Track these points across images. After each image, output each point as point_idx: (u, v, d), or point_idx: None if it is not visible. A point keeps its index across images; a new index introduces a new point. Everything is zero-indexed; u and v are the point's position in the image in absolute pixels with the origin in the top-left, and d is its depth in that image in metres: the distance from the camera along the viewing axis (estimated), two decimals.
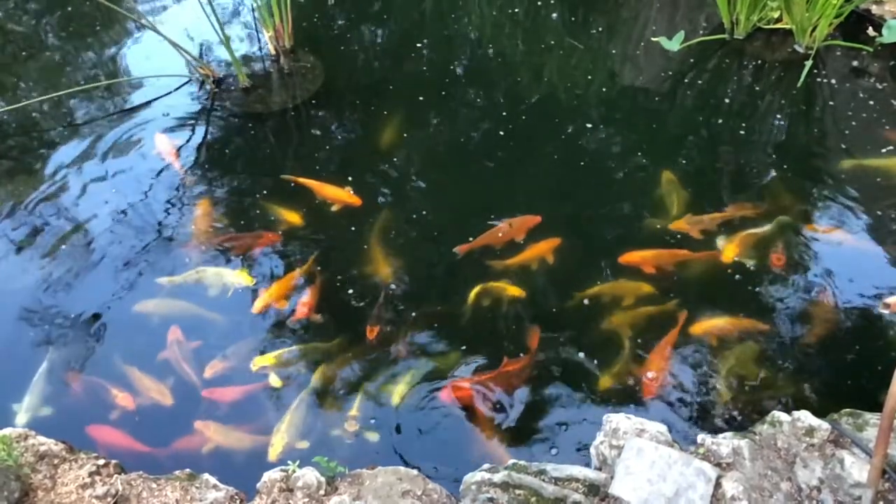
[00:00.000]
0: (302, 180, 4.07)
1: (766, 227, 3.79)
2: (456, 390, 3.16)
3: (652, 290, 3.53)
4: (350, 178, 4.10)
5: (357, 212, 3.94)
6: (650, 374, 3.19)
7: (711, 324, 3.37)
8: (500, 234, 3.79)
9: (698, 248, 3.73)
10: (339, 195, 4.00)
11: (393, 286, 3.58)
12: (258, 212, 3.96)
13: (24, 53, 5.18)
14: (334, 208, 3.96)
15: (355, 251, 3.75)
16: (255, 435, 3.06)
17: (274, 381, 3.22)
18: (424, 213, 3.95)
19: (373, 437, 3.01)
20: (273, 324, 3.47)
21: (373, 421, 3.07)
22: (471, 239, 3.77)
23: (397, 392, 3.14)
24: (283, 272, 3.66)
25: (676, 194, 4.00)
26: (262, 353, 3.33)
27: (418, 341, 3.37)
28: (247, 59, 5.04)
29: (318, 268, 3.67)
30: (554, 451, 2.96)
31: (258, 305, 3.48)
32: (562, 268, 3.67)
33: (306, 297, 3.51)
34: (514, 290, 3.51)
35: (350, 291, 3.58)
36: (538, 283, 3.61)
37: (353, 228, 3.86)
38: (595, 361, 3.27)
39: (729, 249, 3.66)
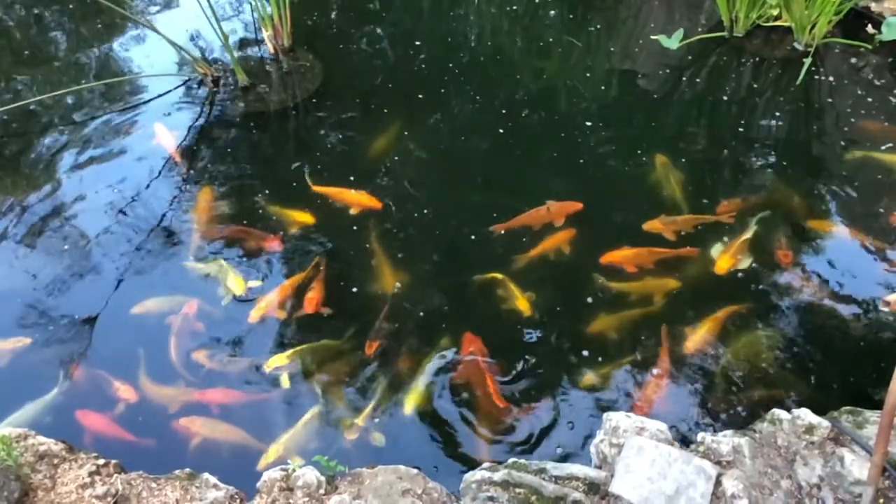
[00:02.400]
0: (321, 188, 4.04)
1: (756, 231, 3.76)
2: (473, 345, 3.26)
3: (679, 285, 3.54)
4: (351, 178, 4.09)
5: (359, 211, 3.94)
6: (655, 372, 3.20)
7: (700, 335, 3.36)
8: (538, 217, 3.81)
9: (692, 245, 3.74)
10: (359, 200, 3.96)
11: (397, 286, 3.56)
12: (260, 212, 3.95)
13: (26, 53, 5.18)
14: (336, 208, 3.94)
15: (358, 251, 3.74)
16: (246, 433, 3.05)
17: (285, 381, 3.20)
18: (426, 211, 3.94)
19: (378, 439, 3.00)
20: (280, 322, 3.45)
21: (376, 420, 3.07)
22: (470, 234, 3.78)
23: (409, 402, 3.12)
24: (283, 277, 3.63)
25: (673, 177, 4.04)
26: (257, 352, 3.32)
27: (423, 346, 3.35)
28: (246, 58, 5.03)
29: (323, 266, 3.64)
30: (559, 449, 2.96)
31: (255, 314, 3.43)
32: (563, 265, 3.67)
33: (313, 293, 3.50)
34: (523, 305, 3.46)
35: (354, 290, 3.57)
36: (545, 282, 3.61)
37: (354, 228, 3.86)
38: (600, 359, 3.27)
39: (723, 261, 3.61)
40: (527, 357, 3.28)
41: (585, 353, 3.29)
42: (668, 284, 3.55)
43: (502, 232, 3.81)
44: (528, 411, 3.09)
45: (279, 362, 3.25)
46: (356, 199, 3.97)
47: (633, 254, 3.65)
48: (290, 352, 3.29)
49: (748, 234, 3.73)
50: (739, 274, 3.60)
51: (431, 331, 3.40)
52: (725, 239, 3.74)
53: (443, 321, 3.44)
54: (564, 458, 2.88)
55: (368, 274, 3.64)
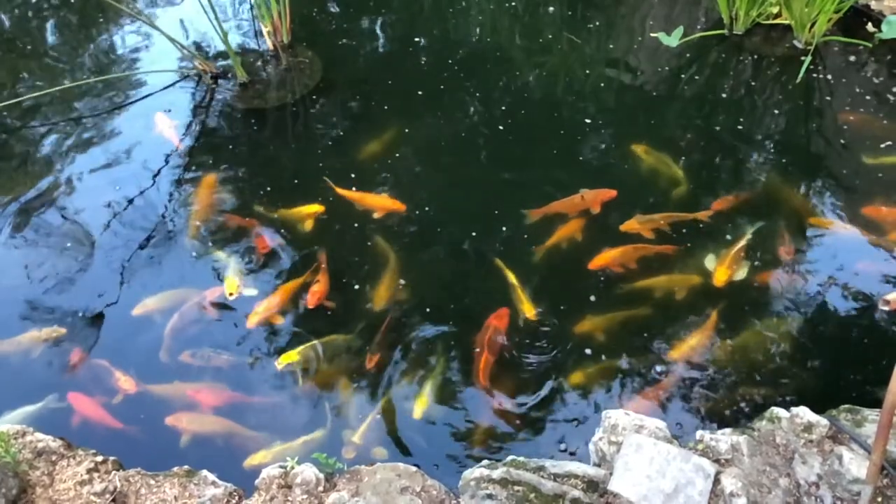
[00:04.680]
0: (340, 190, 4.00)
1: (751, 236, 3.73)
2: (497, 320, 3.30)
3: (701, 280, 3.55)
4: (352, 176, 4.08)
5: (360, 209, 3.92)
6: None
7: (698, 333, 3.35)
8: (572, 205, 3.84)
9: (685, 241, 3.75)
10: (383, 203, 3.92)
11: (401, 283, 3.55)
12: (261, 209, 3.94)
13: (29, 48, 5.17)
14: (337, 205, 3.92)
15: (360, 250, 3.73)
16: (240, 427, 3.06)
17: (298, 379, 3.20)
18: (427, 208, 3.93)
19: (380, 454, 2.99)
20: (284, 318, 3.45)
21: (378, 417, 3.07)
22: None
23: (418, 405, 3.11)
24: (282, 280, 3.61)
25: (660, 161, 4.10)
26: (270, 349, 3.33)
27: (425, 348, 3.34)
28: (245, 55, 5.02)
29: (324, 262, 3.62)
30: (559, 447, 2.96)
31: (253, 320, 3.39)
32: (563, 262, 3.67)
33: (317, 286, 3.48)
34: (528, 309, 3.43)
35: (356, 287, 3.56)
36: (547, 278, 3.61)
37: (356, 225, 3.85)
38: (603, 356, 3.27)
39: (721, 272, 3.55)
40: (528, 354, 3.28)
41: (588, 350, 3.29)
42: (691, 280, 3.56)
43: (537, 218, 3.83)
44: (523, 408, 3.11)
45: (290, 359, 3.23)
46: (379, 203, 3.92)
47: (620, 253, 3.64)
48: (300, 348, 3.28)
49: (742, 242, 3.69)
50: (742, 259, 3.60)
51: (435, 331, 3.40)
52: (728, 237, 3.74)
53: (446, 321, 3.44)
54: (563, 456, 2.88)
55: (370, 272, 3.62)
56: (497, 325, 3.32)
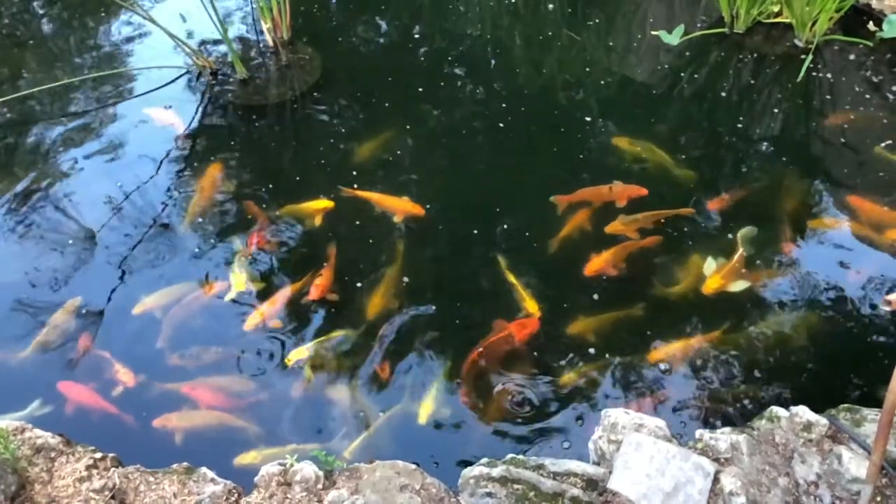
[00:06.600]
0: (361, 193, 3.96)
1: (747, 243, 3.69)
2: (519, 329, 3.28)
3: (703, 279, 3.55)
4: (354, 173, 4.07)
5: (359, 208, 3.91)
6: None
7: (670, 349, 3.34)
8: (599, 195, 3.85)
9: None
10: (403, 206, 3.87)
11: (405, 281, 3.54)
12: (263, 206, 3.93)
13: (30, 42, 5.15)
14: (337, 203, 3.90)
15: (361, 248, 3.72)
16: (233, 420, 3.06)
17: (308, 375, 3.19)
18: (428, 206, 3.91)
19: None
20: (287, 314, 3.44)
21: (380, 414, 3.06)
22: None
23: (423, 409, 3.10)
24: (288, 275, 3.59)
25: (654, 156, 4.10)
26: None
27: (429, 350, 3.33)
28: (245, 51, 5.01)
29: (332, 256, 3.61)
30: (559, 445, 2.96)
31: (251, 322, 3.36)
32: (565, 260, 3.67)
33: (321, 279, 3.46)
34: (531, 306, 3.42)
35: (359, 285, 3.55)
36: (546, 276, 3.61)
37: (357, 223, 3.84)
38: (606, 355, 3.27)
39: (713, 281, 3.52)
40: (529, 351, 3.28)
41: (589, 349, 3.29)
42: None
43: (564, 204, 3.84)
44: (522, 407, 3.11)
45: (300, 355, 3.21)
46: (399, 206, 3.87)
47: (611, 254, 3.61)
48: (309, 344, 3.27)
49: (739, 248, 3.65)
50: (742, 270, 3.59)
51: (438, 331, 3.39)
52: (729, 235, 3.73)
53: (449, 319, 3.44)
54: (563, 455, 2.88)
55: (373, 270, 3.61)
56: (515, 332, 3.28)
